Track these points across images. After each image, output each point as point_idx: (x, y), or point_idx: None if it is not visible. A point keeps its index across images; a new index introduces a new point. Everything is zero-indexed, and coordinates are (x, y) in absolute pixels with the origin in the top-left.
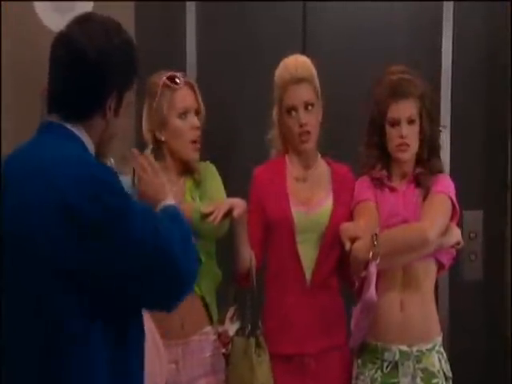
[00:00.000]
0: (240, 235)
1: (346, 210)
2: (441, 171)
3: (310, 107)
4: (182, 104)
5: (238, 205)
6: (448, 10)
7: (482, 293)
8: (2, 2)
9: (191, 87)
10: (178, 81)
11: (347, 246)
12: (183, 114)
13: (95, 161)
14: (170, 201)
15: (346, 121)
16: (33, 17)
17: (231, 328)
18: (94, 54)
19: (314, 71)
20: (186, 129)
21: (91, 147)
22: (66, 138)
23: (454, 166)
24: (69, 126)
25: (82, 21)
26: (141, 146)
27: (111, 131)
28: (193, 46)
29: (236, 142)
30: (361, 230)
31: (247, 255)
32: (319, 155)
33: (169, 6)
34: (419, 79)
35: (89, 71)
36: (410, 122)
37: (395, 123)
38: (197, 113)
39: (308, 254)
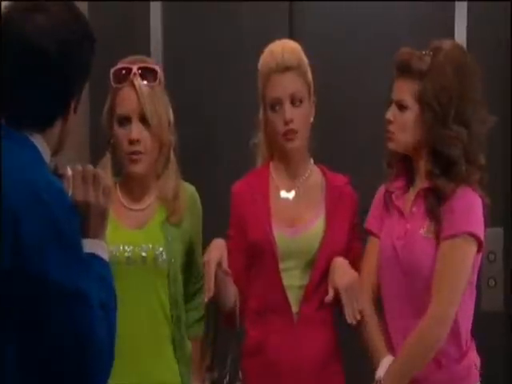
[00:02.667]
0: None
1: (340, 232)
2: (461, 182)
3: (297, 102)
4: (120, 108)
5: (218, 252)
6: (461, 10)
7: (503, 326)
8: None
9: (134, 87)
10: (122, 76)
11: (330, 294)
12: (121, 121)
13: (47, 178)
14: (101, 248)
15: (339, 126)
16: None
17: (208, 379)
18: (55, 51)
19: (304, 60)
20: (122, 139)
21: (47, 155)
22: (19, 146)
23: None
24: (24, 132)
25: (32, 9)
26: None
27: (69, 128)
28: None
29: (214, 150)
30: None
31: (231, 293)
32: (312, 162)
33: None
34: (440, 53)
35: (51, 72)
36: (400, 106)
37: (390, 104)
38: (142, 120)
39: (294, 284)
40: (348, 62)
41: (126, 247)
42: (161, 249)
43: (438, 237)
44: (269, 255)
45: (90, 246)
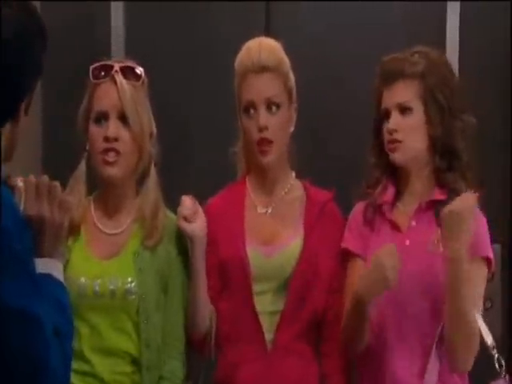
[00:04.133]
0: (198, 282)
1: (320, 252)
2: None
3: (274, 107)
4: (97, 104)
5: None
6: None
7: (501, 354)
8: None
9: (114, 82)
10: (102, 73)
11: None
12: (98, 119)
13: None
14: (57, 268)
15: (321, 136)
16: None
17: None
18: (8, 47)
19: (285, 60)
20: (97, 137)
21: None
22: None
23: None
24: None
25: None
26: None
27: (18, 132)
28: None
29: (190, 161)
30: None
31: (205, 312)
32: (293, 175)
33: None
34: (423, 53)
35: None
36: (403, 109)
37: (387, 115)
38: (120, 117)
39: (269, 308)
40: (329, 66)
41: (95, 279)
42: (131, 281)
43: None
44: (241, 275)
45: (43, 265)
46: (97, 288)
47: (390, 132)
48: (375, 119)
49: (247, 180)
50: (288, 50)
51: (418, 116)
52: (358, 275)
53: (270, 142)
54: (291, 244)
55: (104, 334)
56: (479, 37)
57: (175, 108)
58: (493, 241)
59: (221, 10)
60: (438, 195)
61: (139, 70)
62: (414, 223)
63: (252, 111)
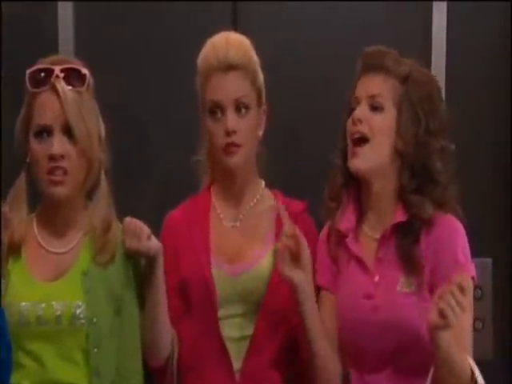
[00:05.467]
0: (158, 304)
1: None
2: (441, 205)
3: (243, 109)
4: (38, 118)
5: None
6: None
7: (492, 376)
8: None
9: (56, 92)
10: (41, 79)
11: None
12: (40, 133)
13: None
14: None
15: (291, 141)
16: None
17: None
18: None
19: (254, 58)
20: (41, 156)
21: None
22: None
23: None
24: None
25: None
26: None
27: None
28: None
29: (147, 167)
30: None
31: (167, 337)
32: (263, 185)
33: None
34: (413, 62)
35: None
36: (374, 104)
37: (356, 104)
38: (66, 132)
39: (236, 334)
40: (300, 69)
41: (38, 304)
42: (80, 304)
43: (419, 288)
44: (205, 297)
45: None
46: (40, 313)
47: (355, 122)
48: (344, 116)
49: (212, 190)
50: (257, 52)
51: (387, 119)
52: (329, 311)
53: (237, 145)
54: (261, 261)
55: (49, 365)
56: (466, 38)
57: (131, 110)
58: (483, 255)
59: (184, 10)
60: (399, 216)
61: (84, 72)
62: (380, 255)
63: (219, 113)
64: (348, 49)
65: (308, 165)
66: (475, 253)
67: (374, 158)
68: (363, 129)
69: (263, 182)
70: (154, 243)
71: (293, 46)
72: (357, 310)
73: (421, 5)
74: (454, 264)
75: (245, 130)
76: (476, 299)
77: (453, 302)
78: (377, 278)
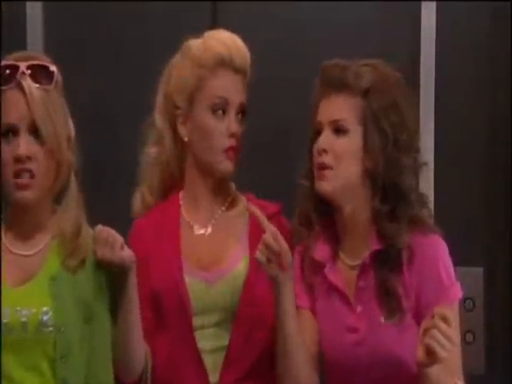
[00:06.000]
0: (131, 315)
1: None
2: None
3: (240, 115)
4: (3, 117)
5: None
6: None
7: None
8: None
9: (22, 90)
10: (6, 76)
11: None
12: (5, 134)
13: None
14: None
15: (266, 145)
16: None
17: None
18: None
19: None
20: (6, 157)
21: None
22: None
23: (439, 206)
24: None
25: None
26: None
27: None
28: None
29: (119, 171)
30: None
31: (140, 351)
32: (233, 187)
33: None
34: (376, 66)
35: None
36: (337, 129)
37: (319, 131)
38: (33, 132)
39: (212, 345)
40: (281, 70)
41: (4, 310)
42: (47, 311)
43: (401, 318)
44: (178, 307)
45: None
46: (5, 320)
47: (320, 152)
48: (310, 136)
49: (180, 196)
50: None
51: (354, 140)
52: (309, 330)
53: (236, 150)
54: (236, 268)
55: (13, 375)
56: (456, 39)
57: (104, 110)
58: (474, 264)
59: (161, 9)
60: (376, 244)
61: (52, 69)
62: (361, 284)
63: (220, 113)
64: (332, 49)
65: (289, 167)
66: (466, 262)
67: (340, 180)
68: (328, 160)
69: (233, 185)
70: (127, 253)
71: (273, 47)
72: (341, 345)
73: (409, 5)
74: (439, 287)
75: (239, 134)
76: (467, 310)
77: (439, 337)
78: (359, 309)
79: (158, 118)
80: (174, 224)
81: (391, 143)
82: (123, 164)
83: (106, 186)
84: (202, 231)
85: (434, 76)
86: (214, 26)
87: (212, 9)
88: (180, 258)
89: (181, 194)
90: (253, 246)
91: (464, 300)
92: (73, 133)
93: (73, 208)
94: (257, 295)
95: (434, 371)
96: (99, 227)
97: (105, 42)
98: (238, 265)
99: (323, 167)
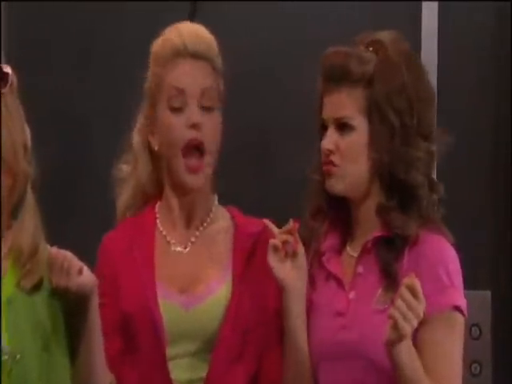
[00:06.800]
0: (94, 343)
1: (254, 300)
2: (424, 221)
3: (208, 105)
4: None
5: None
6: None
7: None
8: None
9: None
10: None
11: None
12: None
13: None
14: None
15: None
16: None
17: None
18: None
19: (219, 54)
20: None
21: None
22: None
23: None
24: None
25: None
26: None
27: None
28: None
29: (85, 179)
30: None
31: (104, 382)
32: (216, 201)
33: None
34: (384, 49)
35: None
36: (342, 126)
37: (324, 128)
38: None
39: (187, 376)
40: (262, 71)
41: None
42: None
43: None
44: (151, 334)
45: None
46: None
47: (325, 152)
48: (318, 130)
49: (157, 208)
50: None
51: (360, 136)
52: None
53: (202, 144)
54: (217, 291)
55: None
56: (458, 39)
57: (72, 113)
58: (480, 286)
59: (136, 9)
60: (380, 231)
61: (6, 70)
62: (360, 269)
63: (179, 105)
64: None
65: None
66: (471, 284)
67: (348, 177)
68: (335, 159)
69: (216, 197)
70: (86, 279)
71: (253, 47)
72: (327, 329)
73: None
74: (434, 285)
75: (211, 128)
76: (473, 338)
77: (403, 308)
78: (352, 295)
79: (135, 136)
80: (149, 239)
81: (398, 134)
82: (94, 169)
83: (75, 191)
84: (179, 248)
85: (436, 76)
86: None
87: (191, 9)
88: (154, 279)
89: (157, 205)
90: (237, 267)
91: (469, 327)
92: (29, 141)
93: (30, 223)
94: (240, 322)
95: (404, 353)
96: (54, 250)
97: (78, 42)
98: (219, 288)
99: (330, 165)
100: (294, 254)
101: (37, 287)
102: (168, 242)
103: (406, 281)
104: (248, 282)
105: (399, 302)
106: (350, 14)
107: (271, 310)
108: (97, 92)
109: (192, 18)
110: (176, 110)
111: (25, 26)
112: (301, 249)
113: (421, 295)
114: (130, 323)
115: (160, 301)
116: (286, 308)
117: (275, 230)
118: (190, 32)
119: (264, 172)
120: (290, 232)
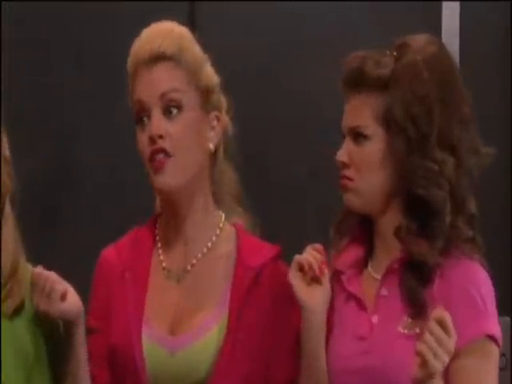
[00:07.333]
0: (79, 374)
1: (252, 345)
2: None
3: (174, 110)
4: None
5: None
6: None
7: None
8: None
9: None
10: None
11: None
12: None
13: None
14: None
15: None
16: None
17: None
18: None
19: (195, 51)
20: None
21: None
22: None
23: None
24: None
25: None
26: None
27: None
28: None
29: (72, 193)
30: None
31: None
32: (222, 217)
33: None
34: (408, 53)
35: None
36: (356, 136)
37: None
38: None
39: None
40: (261, 72)
41: None
42: None
43: (422, 329)
44: (131, 376)
45: None
46: None
47: (340, 164)
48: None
49: (158, 224)
50: (215, 54)
51: (376, 146)
52: None
53: (166, 154)
54: (208, 333)
55: None
56: (479, 41)
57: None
58: (500, 312)
59: (137, 10)
60: (405, 252)
61: None
62: (384, 292)
63: (145, 118)
64: (338, 50)
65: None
66: None
67: (363, 192)
68: (349, 173)
69: (223, 215)
70: (70, 306)
71: (251, 48)
72: (345, 353)
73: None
74: (466, 310)
75: (176, 135)
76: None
77: (432, 343)
78: (375, 319)
79: None
80: (145, 262)
81: (416, 145)
82: (84, 174)
83: (74, 192)
84: (175, 278)
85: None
86: (191, 27)
87: (190, 9)
88: (141, 313)
89: (159, 222)
90: (233, 305)
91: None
92: (7, 152)
93: (9, 242)
94: (233, 369)
95: None
96: (37, 270)
97: (74, 43)
98: (212, 327)
99: (345, 179)
100: (318, 280)
101: (18, 311)
102: (163, 268)
103: (434, 314)
104: (243, 322)
105: (428, 337)
106: (349, 14)
107: (271, 357)
108: (97, 92)
109: (191, 18)
110: (141, 124)
111: (25, 26)
112: (326, 270)
113: (451, 329)
114: (114, 358)
115: (145, 341)
116: (304, 330)
117: (319, 256)
118: (147, 36)
119: (263, 172)
120: (318, 250)
